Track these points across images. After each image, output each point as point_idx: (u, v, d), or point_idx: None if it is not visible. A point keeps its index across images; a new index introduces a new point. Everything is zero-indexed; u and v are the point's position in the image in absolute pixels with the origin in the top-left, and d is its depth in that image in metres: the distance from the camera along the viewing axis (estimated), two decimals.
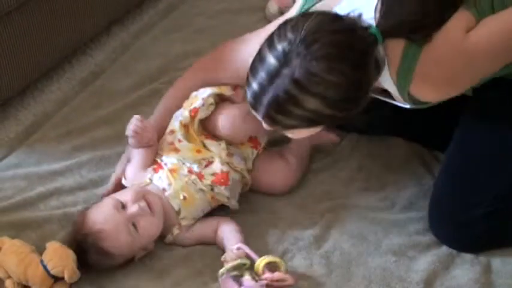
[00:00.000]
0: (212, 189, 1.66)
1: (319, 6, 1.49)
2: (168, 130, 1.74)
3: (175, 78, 2.04)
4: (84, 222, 1.57)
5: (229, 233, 1.63)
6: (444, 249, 1.65)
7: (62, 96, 2.07)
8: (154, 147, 1.72)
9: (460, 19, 1.42)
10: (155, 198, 1.62)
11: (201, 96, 1.72)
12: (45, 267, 1.52)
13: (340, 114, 1.38)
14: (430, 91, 1.47)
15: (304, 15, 1.41)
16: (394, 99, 1.53)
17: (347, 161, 1.88)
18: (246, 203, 1.75)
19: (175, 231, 1.65)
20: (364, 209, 1.75)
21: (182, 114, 1.73)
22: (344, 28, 1.36)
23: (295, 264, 1.62)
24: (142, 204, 1.58)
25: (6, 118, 1.99)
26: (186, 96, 1.76)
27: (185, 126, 1.72)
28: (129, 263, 1.61)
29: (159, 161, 1.70)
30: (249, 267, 1.56)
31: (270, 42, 1.37)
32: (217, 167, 1.67)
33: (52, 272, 1.52)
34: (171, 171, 1.66)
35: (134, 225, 1.57)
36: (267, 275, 1.54)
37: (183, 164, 1.67)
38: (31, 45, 1.95)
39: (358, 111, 1.41)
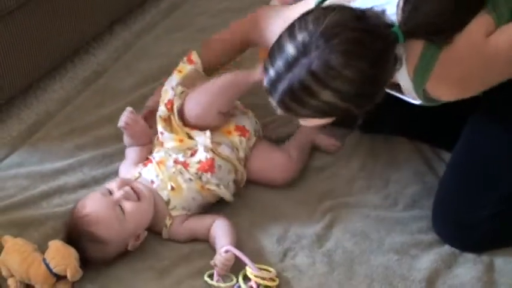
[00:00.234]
0: (200, 178, 1.67)
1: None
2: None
3: None
4: (74, 212, 1.59)
5: (220, 233, 1.62)
6: (447, 247, 1.65)
7: (65, 95, 2.08)
8: (147, 146, 1.76)
9: (481, 23, 1.42)
10: (140, 185, 1.65)
11: (170, 86, 1.76)
12: (47, 265, 1.52)
13: (354, 109, 1.38)
14: (445, 90, 1.47)
15: (327, 8, 1.40)
16: (404, 94, 1.53)
17: (349, 159, 1.88)
18: (248, 201, 1.76)
19: (168, 221, 1.65)
20: (366, 208, 1.75)
21: (160, 109, 1.75)
22: (366, 26, 1.35)
23: (297, 262, 1.62)
24: (127, 188, 1.61)
25: (9, 117, 2.00)
26: (219, 57, 1.85)
27: (166, 120, 1.74)
28: (128, 254, 1.62)
29: (150, 157, 1.73)
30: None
31: (290, 31, 1.37)
32: (201, 154, 1.69)
33: (54, 270, 1.52)
34: (159, 163, 1.69)
35: (121, 209, 1.58)
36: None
37: (170, 155, 1.70)
38: (33, 44, 1.96)
39: (371, 106, 1.41)
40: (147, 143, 1.78)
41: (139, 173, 1.70)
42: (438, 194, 1.68)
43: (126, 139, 1.78)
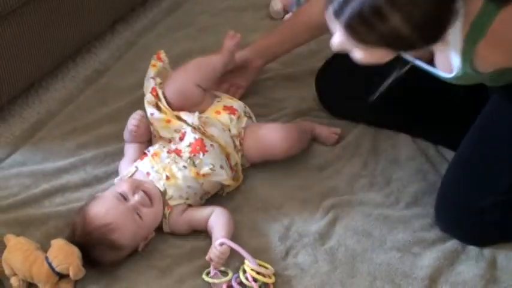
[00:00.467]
0: (194, 164, 1.68)
1: None
2: None
3: None
4: (86, 220, 1.57)
5: (217, 225, 1.62)
6: (449, 245, 1.65)
7: (67, 94, 2.08)
8: (146, 143, 1.78)
9: None
10: (150, 186, 1.65)
11: (149, 77, 1.82)
12: (50, 264, 1.52)
13: (413, 41, 1.34)
14: (498, 55, 1.42)
15: None
16: (437, 65, 1.51)
17: (352, 157, 1.88)
18: (250, 199, 1.76)
19: (167, 211, 1.66)
20: (368, 205, 1.75)
21: (146, 97, 1.79)
22: None
23: (299, 260, 1.62)
24: (142, 194, 1.61)
25: (11, 116, 2.00)
26: (306, 25, 1.90)
27: (155, 106, 1.77)
28: (132, 255, 1.62)
29: (145, 151, 1.74)
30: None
31: None
32: (189, 136, 1.71)
33: (57, 269, 1.52)
34: (153, 155, 1.71)
35: (138, 214, 1.59)
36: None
37: (164, 147, 1.72)
38: (35, 43, 1.96)
39: (421, 48, 1.38)
40: (147, 141, 1.79)
41: (136, 167, 1.71)
42: (444, 181, 1.68)
43: (126, 135, 1.79)
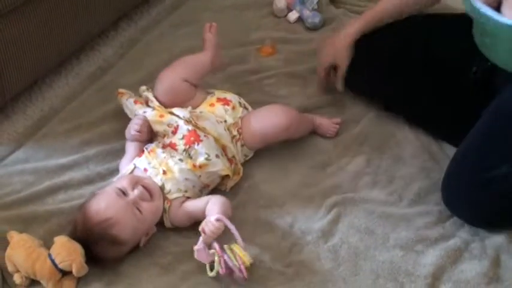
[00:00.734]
0: (189, 156, 1.69)
1: None
2: None
3: None
4: (86, 217, 1.57)
5: (214, 206, 1.63)
6: (452, 243, 1.65)
7: (70, 91, 2.08)
8: (146, 141, 1.79)
9: None
10: (150, 181, 1.66)
11: (125, 102, 1.87)
12: (53, 261, 1.53)
13: None
14: None
15: None
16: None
17: (355, 155, 1.88)
18: (253, 196, 1.76)
19: (166, 205, 1.66)
20: (372, 203, 1.75)
21: (136, 107, 1.83)
22: None
23: (302, 258, 1.62)
24: (141, 188, 1.62)
25: (14, 113, 2.00)
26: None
27: (146, 105, 1.82)
28: (134, 251, 1.62)
29: (144, 148, 1.75)
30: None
31: None
32: (182, 128, 1.72)
33: (60, 266, 1.52)
34: (150, 151, 1.72)
35: (138, 209, 1.59)
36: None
37: (159, 143, 1.73)
38: (39, 40, 1.96)
39: None
40: (148, 139, 1.79)
41: (134, 164, 1.72)
42: (456, 153, 1.69)
43: (128, 134, 1.79)
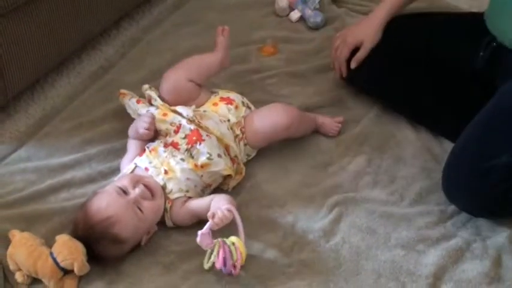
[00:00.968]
0: (191, 155, 1.69)
1: None
2: None
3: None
4: (87, 215, 1.57)
5: (220, 199, 1.63)
6: (453, 243, 1.65)
7: (72, 90, 2.08)
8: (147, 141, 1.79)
9: None
10: (152, 180, 1.66)
11: (127, 102, 1.87)
12: (54, 260, 1.53)
13: None
14: None
15: None
16: None
17: (356, 155, 1.88)
18: (255, 196, 1.76)
19: (167, 205, 1.66)
20: (373, 203, 1.75)
21: (138, 106, 1.83)
22: None
23: (303, 257, 1.62)
24: (142, 187, 1.62)
25: (16, 112, 2.00)
26: None
27: (149, 104, 1.83)
28: (135, 249, 1.62)
29: (146, 147, 1.75)
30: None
31: None
32: (185, 128, 1.72)
33: (61, 264, 1.53)
34: (151, 151, 1.72)
35: (139, 207, 1.59)
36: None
37: (161, 142, 1.73)
38: (41, 39, 1.96)
39: None
40: (151, 138, 1.79)
41: (135, 164, 1.71)
42: (457, 142, 1.70)
43: (132, 132, 1.79)
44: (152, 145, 1.74)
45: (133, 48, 2.24)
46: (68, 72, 2.15)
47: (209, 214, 1.57)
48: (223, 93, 1.87)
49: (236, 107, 1.83)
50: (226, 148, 1.76)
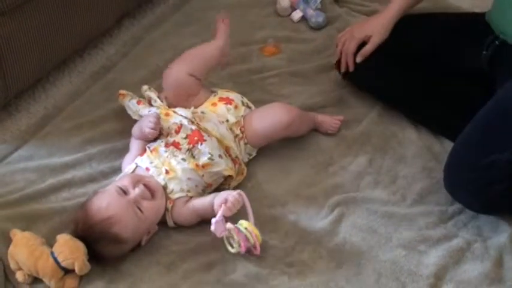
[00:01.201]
0: (193, 156, 1.69)
1: None
2: None
3: None
4: (88, 215, 1.57)
5: (224, 192, 1.64)
6: (455, 243, 1.65)
7: (73, 89, 2.08)
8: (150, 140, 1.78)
9: None
10: (152, 180, 1.66)
11: (127, 103, 1.86)
12: (55, 259, 1.53)
13: None
14: None
15: None
16: None
17: (357, 155, 1.88)
18: (256, 195, 1.76)
19: (169, 205, 1.66)
20: (374, 203, 1.75)
21: (139, 107, 1.84)
22: None
23: (305, 257, 1.62)
24: (142, 187, 1.61)
25: (17, 111, 2.00)
26: None
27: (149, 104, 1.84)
28: (136, 249, 1.62)
29: (147, 147, 1.75)
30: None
31: None
32: (186, 128, 1.73)
33: (62, 264, 1.53)
34: (152, 150, 1.72)
35: (139, 207, 1.59)
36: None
37: (162, 142, 1.73)
38: (42, 38, 1.96)
39: None
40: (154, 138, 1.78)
41: (136, 164, 1.71)
42: (458, 138, 1.70)
43: (136, 132, 1.78)
44: (153, 145, 1.74)
45: (135, 48, 2.24)
46: (70, 71, 2.15)
47: (220, 201, 1.58)
48: (222, 93, 1.87)
49: (235, 107, 1.83)
50: (227, 149, 1.76)
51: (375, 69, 1.93)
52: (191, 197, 1.69)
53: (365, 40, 1.93)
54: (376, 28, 1.92)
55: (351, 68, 1.96)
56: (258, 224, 1.66)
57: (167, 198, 1.67)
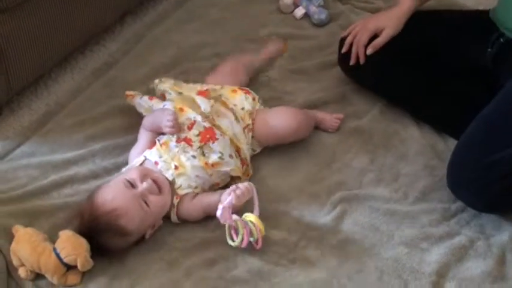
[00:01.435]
0: (203, 153, 1.69)
1: None
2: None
3: (188, 69, 2.05)
4: (94, 206, 1.58)
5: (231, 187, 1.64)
6: (457, 241, 1.65)
7: (76, 86, 2.08)
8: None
9: None
10: (160, 175, 1.66)
11: (138, 101, 1.87)
12: (58, 255, 1.53)
13: None
14: None
15: None
16: None
17: (360, 152, 1.88)
18: (259, 192, 1.75)
19: (175, 201, 1.66)
20: (376, 200, 1.75)
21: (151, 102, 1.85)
22: None
23: (307, 254, 1.62)
24: (150, 181, 1.62)
25: (20, 108, 2.00)
26: None
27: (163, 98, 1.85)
28: (139, 244, 1.63)
29: (156, 140, 1.74)
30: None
31: None
32: (199, 124, 1.72)
33: (65, 260, 1.53)
34: (162, 144, 1.72)
35: (145, 202, 1.59)
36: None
37: (173, 136, 1.72)
38: (44, 35, 1.96)
39: None
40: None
41: (144, 157, 1.71)
42: (461, 137, 1.70)
43: (148, 123, 1.77)
44: (163, 138, 1.73)
45: (137, 45, 2.24)
46: (72, 68, 2.15)
47: (230, 189, 1.59)
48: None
49: (253, 99, 1.85)
50: (237, 150, 1.76)
51: (378, 68, 1.93)
52: (197, 194, 1.69)
53: (377, 33, 1.92)
54: (390, 21, 1.91)
55: (362, 61, 1.93)
56: (261, 219, 1.66)
57: (174, 193, 1.67)
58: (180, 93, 1.83)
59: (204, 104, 1.77)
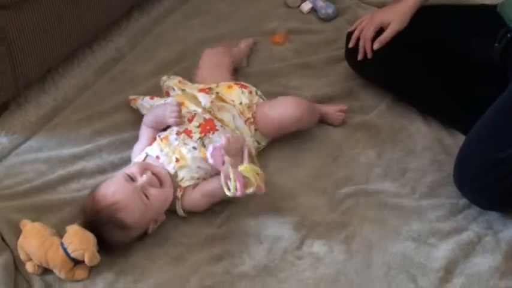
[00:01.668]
0: (203, 145, 1.70)
1: None
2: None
3: (195, 63, 2.04)
4: (95, 200, 1.58)
5: None
6: (465, 236, 1.65)
7: (83, 81, 2.08)
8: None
9: None
10: (160, 169, 1.66)
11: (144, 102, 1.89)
12: (65, 250, 1.53)
13: None
14: None
15: None
16: None
17: (367, 147, 1.87)
18: (267, 187, 1.74)
19: (179, 194, 1.67)
20: (384, 195, 1.75)
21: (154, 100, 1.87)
22: None
23: (314, 250, 1.62)
24: (150, 174, 1.62)
25: (27, 102, 2.00)
26: None
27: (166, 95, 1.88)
28: (144, 240, 1.63)
29: (157, 136, 1.75)
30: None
31: None
32: (200, 116, 1.73)
33: (72, 255, 1.53)
34: (162, 139, 1.73)
35: (145, 194, 1.60)
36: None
37: (172, 130, 1.73)
38: (51, 30, 1.95)
39: None
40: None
41: (146, 153, 1.72)
42: (468, 134, 1.70)
43: (150, 119, 1.78)
44: (163, 134, 1.74)
45: (144, 39, 2.24)
46: (79, 62, 2.15)
47: (224, 138, 1.63)
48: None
49: (250, 92, 1.85)
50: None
51: (384, 62, 1.92)
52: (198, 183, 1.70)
53: (383, 27, 1.91)
54: (397, 15, 1.91)
55: (369, 55, 1.93)
56: (267, 215, 1.67)
57: (177, 186, 1.67)
58: (183, 90, 1.84)
59: (204, 99, 1.78)
